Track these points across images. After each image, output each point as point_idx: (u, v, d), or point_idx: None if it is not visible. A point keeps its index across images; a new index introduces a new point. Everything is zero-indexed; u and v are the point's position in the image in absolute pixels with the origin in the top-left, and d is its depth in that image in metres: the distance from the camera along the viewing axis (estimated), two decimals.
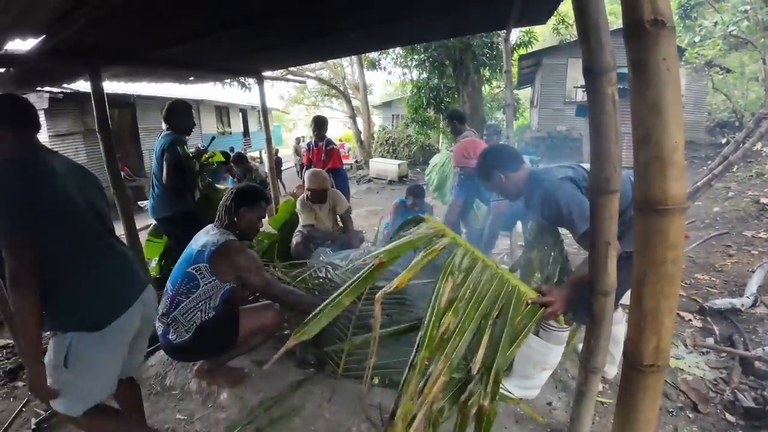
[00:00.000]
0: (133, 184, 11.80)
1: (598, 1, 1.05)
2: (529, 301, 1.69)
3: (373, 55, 13.24)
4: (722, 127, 11.81)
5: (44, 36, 2.37)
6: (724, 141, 10.65)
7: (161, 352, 2.83)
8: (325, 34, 3.28)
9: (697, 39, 11.42)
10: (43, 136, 10.82)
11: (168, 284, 2.22)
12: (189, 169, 3.38)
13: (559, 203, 1.90)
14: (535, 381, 2.18)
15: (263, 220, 2.48)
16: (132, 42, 2.87)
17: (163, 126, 3.51)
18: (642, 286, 0.98)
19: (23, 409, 2.57)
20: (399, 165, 13.23)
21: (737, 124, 11.31)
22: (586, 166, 1.98)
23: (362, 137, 19.71)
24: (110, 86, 5.26)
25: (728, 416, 2.32)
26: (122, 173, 12.90)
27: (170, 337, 2.13)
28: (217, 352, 2.30)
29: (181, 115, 3.56)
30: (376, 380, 2.26)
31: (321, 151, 5.16)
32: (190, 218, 3.43)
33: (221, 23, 2.69)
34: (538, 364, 2.11)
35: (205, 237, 2.19)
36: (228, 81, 13.25)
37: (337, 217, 4.17)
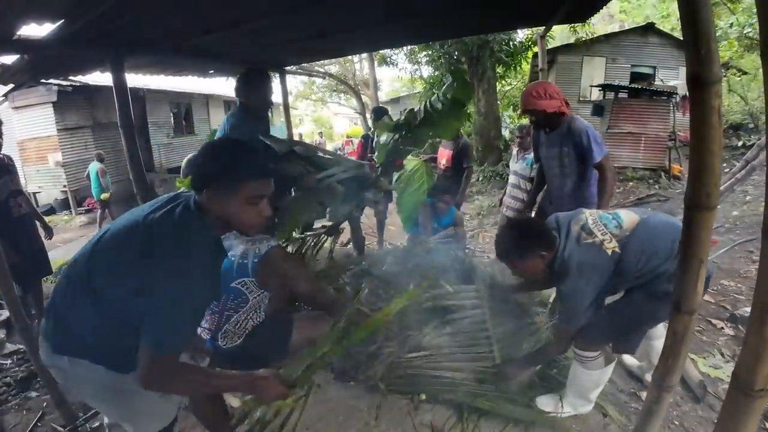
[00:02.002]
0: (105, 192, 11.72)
1: (708, 10, 0.99)
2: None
3: (385, 50, 13.17)
4: (736, 129, 11.69)
5: (63, 21, 2.22)
6: (739, 144, 10.56)
7: None
8: (356, 27, 3.21)
9: None
10: (50, 130, 10.81)
11: None
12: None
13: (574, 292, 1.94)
14: (590, 398, 2.19)
15: None
16: (157, 31, 2.76)
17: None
18: (766, 313, 0.94)
19: (39, 424, 2.41)
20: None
21: (752, 126, 11.20)
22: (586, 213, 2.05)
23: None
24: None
25: None
26: None
27: (220, 342, 2.05)
28: (267, 357, 2.16)
29: (254, 85, 2.87)
30: (423, 396, 2.20)
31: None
32: None
33: (249, 13, 2.60)
34: (591, 385, 2.15)
35: (242, 243, 2.05)
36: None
37: None
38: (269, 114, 3.13)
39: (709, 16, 1.00)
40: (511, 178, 4.65)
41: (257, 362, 2.14)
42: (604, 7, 3.16)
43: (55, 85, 9.98)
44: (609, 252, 1.88)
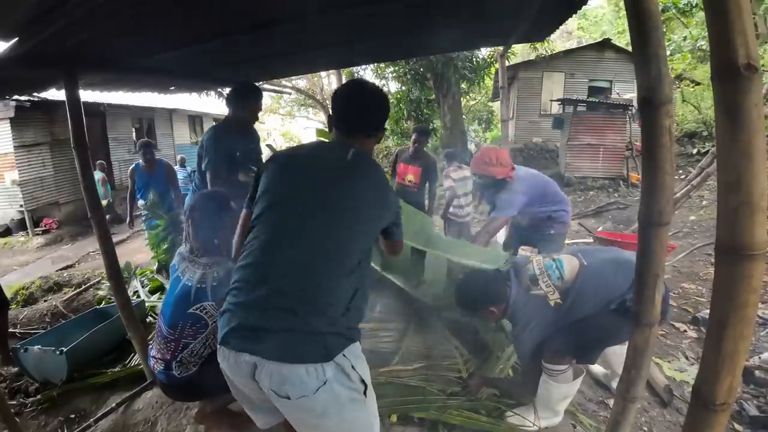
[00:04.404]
0: (104, 199, 11.43)
1: (659, 32, 1.03)
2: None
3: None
4: (690, 138, 12.22)
5: (16, 39, 2.13)
6: (694, 151, 11.02)
7: (148, 394, 2.64)
8: (319, 47, 3.20)
9: (667, 53, 11.84)
10: (7, 147, 10.37)
11: (163, 327, 1.97)
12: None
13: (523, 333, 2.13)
14: (558, 410, 2.24)
15: None
16: (115, 48, 2.66)
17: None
18: (723, 329, 0.98)
19: None
20: None
21: (705, 134, 11.73)
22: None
23: None
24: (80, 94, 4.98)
25: (737, 426, 2.35)
26: None
27: (174, 372, 1.92)
28: (224, 386, 2.08)
29: (241, 100, 2.99)
30: (394, 418, 2.16)
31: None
32: None
33: (210, 32, 2.56)
34: (560, 397, 2.20)
35: (198, 269, 1.95)
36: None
37: None
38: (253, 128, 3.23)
39: (659, 38, 1.04)
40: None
41: (214, 390, 1.99)
42: (563, 24, 3.28)
43: (12, 100, 9.57)
44: (552, 304, 2.04)
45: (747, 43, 0.85)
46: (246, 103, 2.99)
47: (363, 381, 1.35)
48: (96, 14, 1.96)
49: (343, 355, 1.32)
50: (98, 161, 10.66)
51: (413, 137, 4.72)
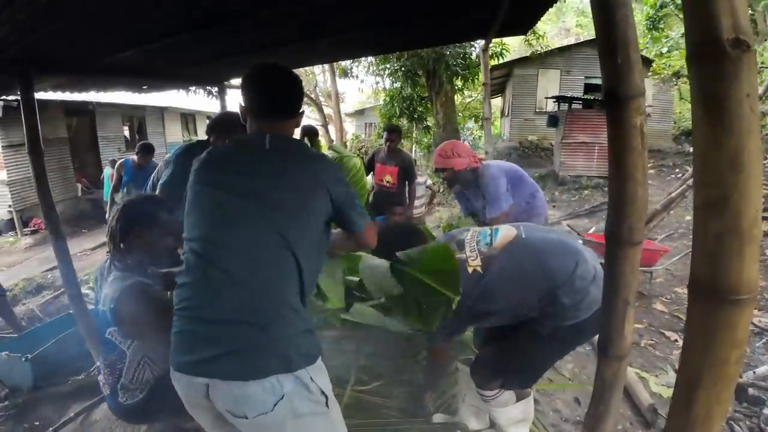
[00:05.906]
0: (91, 196, 11.29)
1: (627, 11, 0.83)
2: None
3: (345, 63, 13.10)
4: (687, 136, 12.09)
5: None
6: (691, 149, 10.88)
7: (105, 405, 2.53)
8: (295, 41, 3.08)
9: (664, 50, 11.72)
10: None
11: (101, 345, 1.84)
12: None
13: None
14: None
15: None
16: (72, 47, 2.54)
17: None
18: (694, 390, 0.78)
19: None
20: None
21: None
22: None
23: None
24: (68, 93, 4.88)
25: None
26: (79, 185, 12.21)
27: (120, 399, 1.77)
28: (174, 412, 1.79)
29: (221, 132, 2.54)
30: None
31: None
32: None
33: (177, 26, 2.42)
34: (509, 422, 2.04)
35: (105, 287, 1.73)
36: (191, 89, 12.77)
37: None
38: None
39: (628, 15, 0.83)
40: None
41: (164, 415, 1.89)
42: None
43: (0, 100, 9.39)
44: (470, 270, 1.76)
45: (734, 10, 0.62)
46: (223, 135, 2.53)
47: (323, 392, 1.29)
48: (40, 15, 1.87)
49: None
50: (111, 159, 10.70)
51: (384, 136, 4.58)
